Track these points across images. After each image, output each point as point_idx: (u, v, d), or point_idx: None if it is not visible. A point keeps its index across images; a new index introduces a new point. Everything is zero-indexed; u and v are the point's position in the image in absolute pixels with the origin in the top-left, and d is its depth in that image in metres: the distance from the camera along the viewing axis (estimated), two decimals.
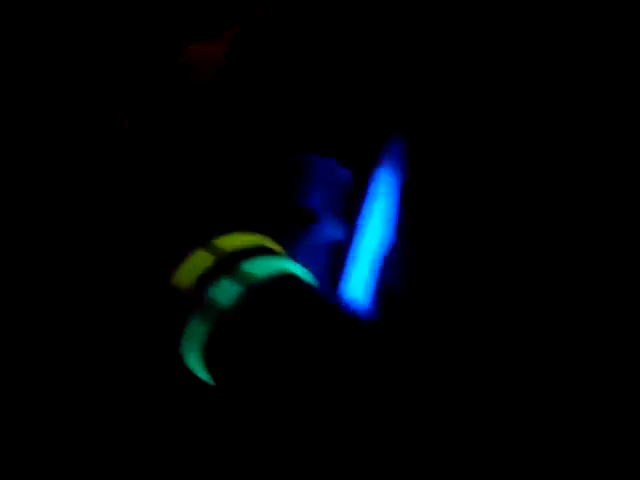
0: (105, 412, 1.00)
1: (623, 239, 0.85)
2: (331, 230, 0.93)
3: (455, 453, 0.71)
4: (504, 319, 0.86)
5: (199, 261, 0.81)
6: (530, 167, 0.89)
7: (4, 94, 1.15)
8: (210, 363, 0.79)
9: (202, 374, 0.81)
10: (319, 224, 0.91)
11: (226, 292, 0.78)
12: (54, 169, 1.11)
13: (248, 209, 0.92)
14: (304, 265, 0.85)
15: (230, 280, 0.79)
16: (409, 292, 0.90)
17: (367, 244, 0.93)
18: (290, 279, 0.80)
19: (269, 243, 0.85)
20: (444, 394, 0.75)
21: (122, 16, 1.17)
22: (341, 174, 0.95)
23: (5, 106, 1.14)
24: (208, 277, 0.79)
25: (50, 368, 1.02)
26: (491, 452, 0.72)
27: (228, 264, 0.80)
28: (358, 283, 0.92)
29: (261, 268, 0.80)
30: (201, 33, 1.16)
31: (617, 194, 0.86)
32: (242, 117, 0.99)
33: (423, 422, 0.72)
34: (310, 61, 1.00)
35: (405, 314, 0.89)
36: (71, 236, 1.06)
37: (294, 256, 0.87)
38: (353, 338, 0.77)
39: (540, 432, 0.77)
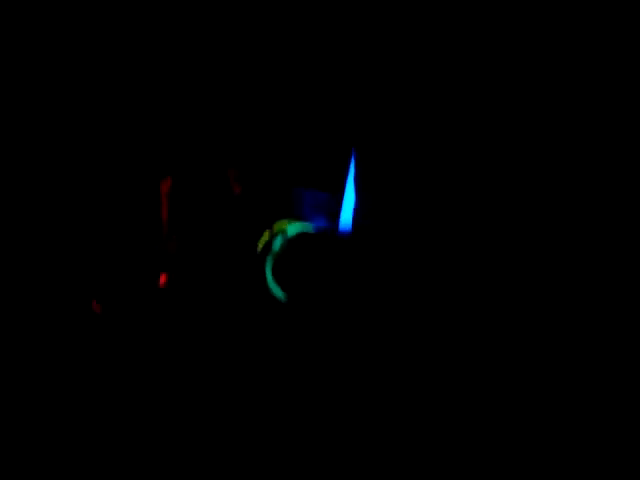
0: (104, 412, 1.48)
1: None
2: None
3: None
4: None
5: (266, 234, 1.73)
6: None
7: (4, 94, 1.27)
8: (276, 279, 1.72)
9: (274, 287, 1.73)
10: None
11: (277, 243, 1.71)
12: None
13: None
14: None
15: (279, 238, 1.72)
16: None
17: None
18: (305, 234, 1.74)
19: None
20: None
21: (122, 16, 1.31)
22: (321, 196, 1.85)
23: (5, 106, 1.29)
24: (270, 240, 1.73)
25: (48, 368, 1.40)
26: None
27: (278, 232, 1.73)
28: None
29: (292, 230, 1.73)
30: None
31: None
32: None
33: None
34: None
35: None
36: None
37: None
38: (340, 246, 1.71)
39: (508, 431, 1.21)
